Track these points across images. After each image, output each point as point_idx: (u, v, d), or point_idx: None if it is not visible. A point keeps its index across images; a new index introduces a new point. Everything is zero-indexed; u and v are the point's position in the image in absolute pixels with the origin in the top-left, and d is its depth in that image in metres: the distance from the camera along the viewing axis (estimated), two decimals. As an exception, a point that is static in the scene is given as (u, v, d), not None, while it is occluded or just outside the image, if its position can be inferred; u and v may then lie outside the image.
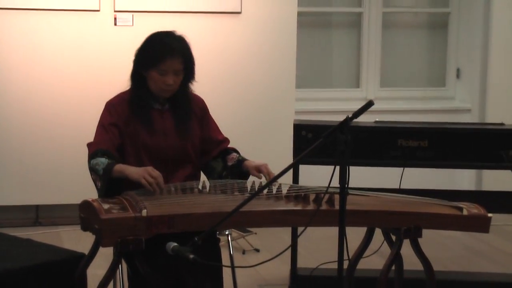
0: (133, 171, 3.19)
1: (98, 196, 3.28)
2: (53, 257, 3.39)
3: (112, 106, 3.41)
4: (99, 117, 3.44)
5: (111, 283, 3.28)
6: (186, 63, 3.38)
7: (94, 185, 3.33)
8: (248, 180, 3.44)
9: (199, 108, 3.55)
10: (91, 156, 3.30)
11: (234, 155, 3.55)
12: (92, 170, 3.28)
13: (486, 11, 6.54)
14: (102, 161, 3.24)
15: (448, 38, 6.87)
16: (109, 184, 3.22)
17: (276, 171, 3.30)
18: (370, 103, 2.67)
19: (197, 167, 3.55)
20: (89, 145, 3.38)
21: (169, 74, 3.34)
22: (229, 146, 3.61)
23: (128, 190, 3.23)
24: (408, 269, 3.77)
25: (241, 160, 3.50)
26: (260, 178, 3.37)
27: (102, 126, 3.38)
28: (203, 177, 3.57)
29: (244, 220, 3.14)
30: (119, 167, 3.22)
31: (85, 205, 3.10)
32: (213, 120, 3.62)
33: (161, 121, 3.43)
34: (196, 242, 2.66)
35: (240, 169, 3.47)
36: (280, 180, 2.98)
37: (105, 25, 5.70)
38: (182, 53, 3.35)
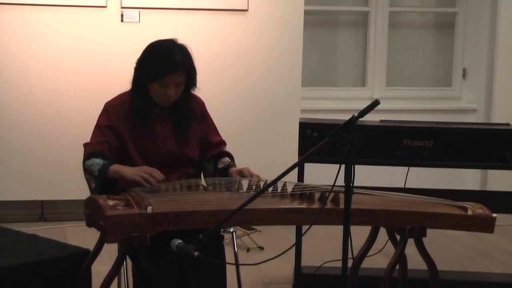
0: (128, 170, 3.20)
1: None
2: (58, 253, 3.39)
3: (112, 108, 3.40)
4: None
5: (116, 280, 3.28)
6: (188, 75, 3.37)
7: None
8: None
9: (199, 109, 3.56)
10: (86, 157, 3.29)
11: (226, 159, 3.57)
12: (87, 171, 3.27)
13: (493, 11, 6.53)
14: (97, 161, 3.24)
15: (454, 38, 6.86)
16: (104, 186, 3.22)
17: (281, 170, 3.30)
18: (376, 103, 2.66)
19: (198, 166, 3.57)
20: (85, 145, 3.36)
21: (171, 87, 3.33)
22: (225, 149, 3.62)
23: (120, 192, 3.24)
24: (412, 268, 3.77)
25: (231, 165, 3.53)
26: None
27: (99, 127, 3.38)
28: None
29: (249, 218, 3.15)
30: (115, 167, 3.23)
31: (90, 202, 3.11)
32: (212, 121, 3.62)
33: (160, 127, 3.43)
34: (200, 239, 2.66)
35: (226, 175, 3.48)
36: (285, 178, 2.97)
37: (112, 21, 5.70)
38: (184, 67, 3.33)
